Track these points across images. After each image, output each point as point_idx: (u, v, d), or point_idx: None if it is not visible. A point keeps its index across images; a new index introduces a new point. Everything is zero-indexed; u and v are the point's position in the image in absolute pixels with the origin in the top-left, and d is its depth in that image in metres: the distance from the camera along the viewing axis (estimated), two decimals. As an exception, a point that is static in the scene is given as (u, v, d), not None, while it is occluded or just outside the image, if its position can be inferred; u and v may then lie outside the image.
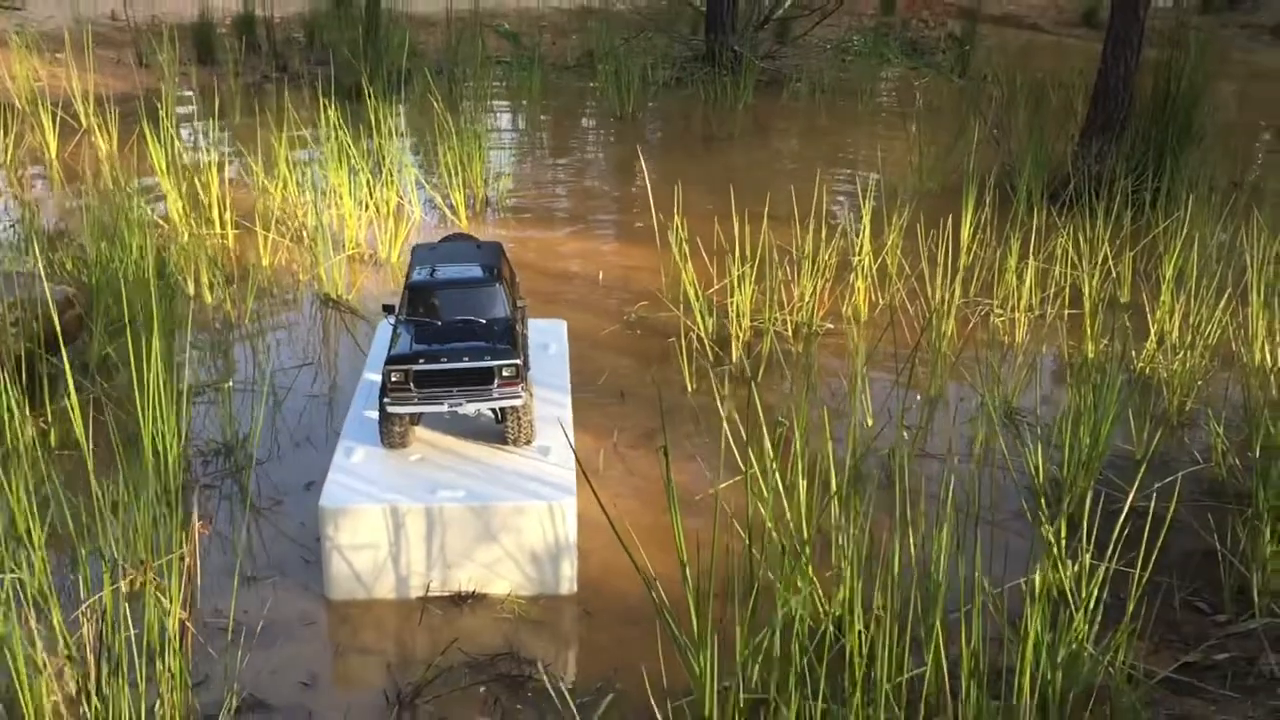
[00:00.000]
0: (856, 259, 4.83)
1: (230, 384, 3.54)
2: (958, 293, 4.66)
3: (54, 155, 6.89)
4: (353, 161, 5.68)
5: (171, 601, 1.96)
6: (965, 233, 5.12)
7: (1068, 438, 3.43)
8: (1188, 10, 12.29)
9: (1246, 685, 2.71)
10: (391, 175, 5.93)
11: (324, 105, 5.90)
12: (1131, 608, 2.52)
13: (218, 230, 5.47)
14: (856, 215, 5.14)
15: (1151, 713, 2.55)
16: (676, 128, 8.76)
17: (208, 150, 5.71)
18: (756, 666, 2.48)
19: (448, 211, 6.02)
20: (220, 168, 5.74)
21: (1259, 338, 4.21)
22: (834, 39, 11.84)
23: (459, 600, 2.97)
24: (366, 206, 5.69)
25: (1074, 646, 2.46)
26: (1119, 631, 2.51)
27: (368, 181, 5.73)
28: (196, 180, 5.71)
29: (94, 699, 1.92)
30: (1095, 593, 2.51)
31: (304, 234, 5.56)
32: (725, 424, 3.20)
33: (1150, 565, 2.56)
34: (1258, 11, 14.06)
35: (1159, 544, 2.62)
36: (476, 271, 3.28)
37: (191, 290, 4.83)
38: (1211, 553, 3.19)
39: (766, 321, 4.53)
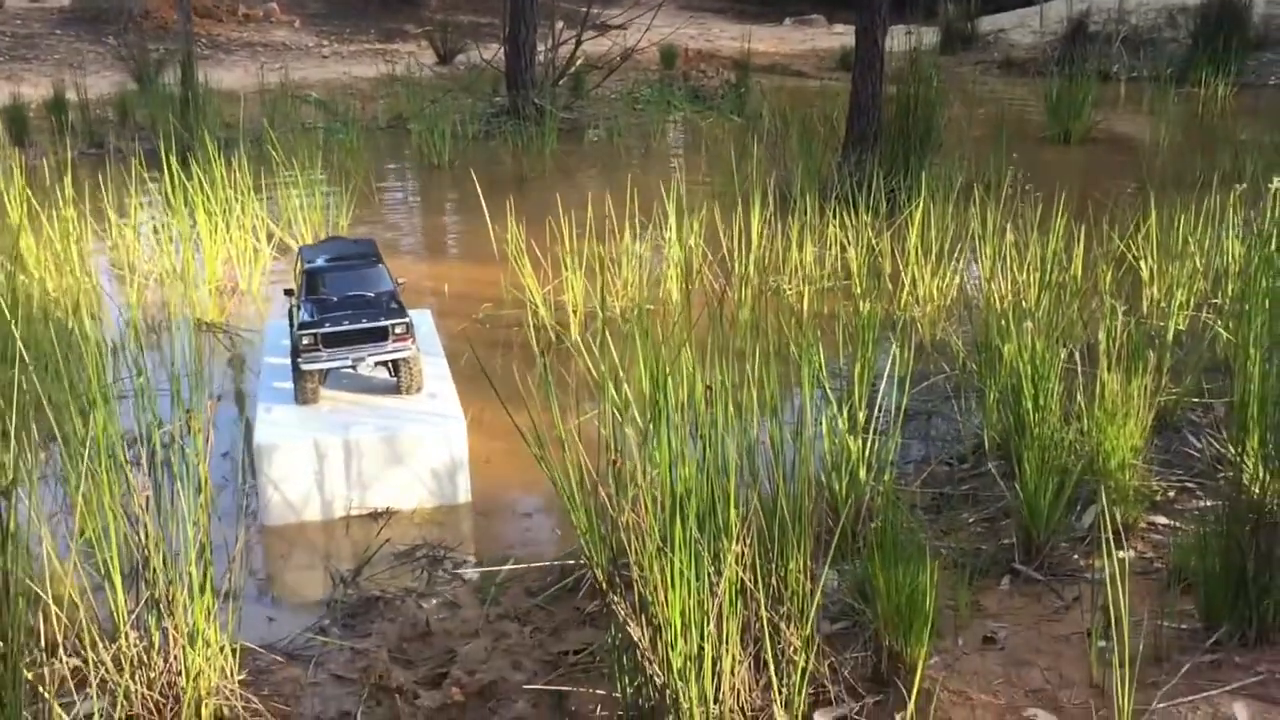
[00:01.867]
0: (666, 249, 5.72)
1: (143, 379, 4.07)
2: (753, 272, 5.60)
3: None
4: (207, 208, 6.21)
5: (198, 455, 2.58)
6: (755, 226, 6.08)
7: (843, 362, 4.35)
8: (930, 51, 13.93)
9: (980, 499, 3.66)
10: (241, 221, 6.47)
11: (168, 164, 6.43)
12: (891, 457, 3.42)
13: (80, 277, 5.90)
14: (664, 222, 6.03)
15: (916, 522, 3.45)
16: (492, 172, 9.53)
17: (61, 207, 6.12)
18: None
19: (296, 248, 6.59)
20: (77, 221, 6.17)
21: (990, 278, 5.29)
22: (624, 91, 12.93)
23: (376, 516, 3.62)
24: (223, 246, 6.22)
25: (852, 472, 3.33)
26: (884, 469, 3.40)
27: (223, 226, 6.27)
28: (54, 234, 6.12)
29: (148, 525, 2.52)
30: (870, 451, 3.39)
31: (166, 275, 6.06)
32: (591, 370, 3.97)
33: (902, 435, 3.49)
34: (988, 50, 16.04)
35: (901, 421, 3.53)
36: (361, 255, 3.96)
37: (71, 324, 5.28)
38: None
39: (598, 305, 5.33)
